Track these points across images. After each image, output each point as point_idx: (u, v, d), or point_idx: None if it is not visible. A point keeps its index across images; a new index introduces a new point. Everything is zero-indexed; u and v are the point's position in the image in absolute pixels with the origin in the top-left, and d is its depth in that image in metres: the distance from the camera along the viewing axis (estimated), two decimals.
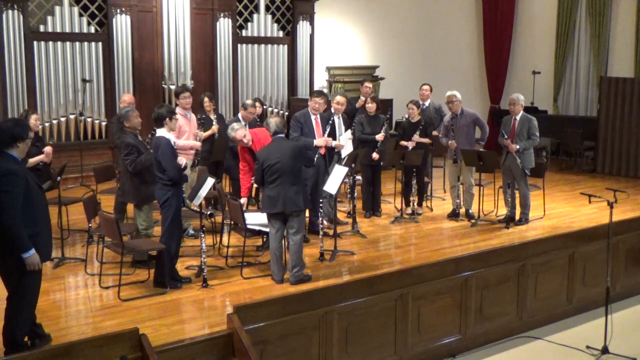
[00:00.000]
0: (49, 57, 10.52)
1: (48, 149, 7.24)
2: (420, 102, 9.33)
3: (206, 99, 8.60)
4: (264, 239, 7.15)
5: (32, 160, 6.92)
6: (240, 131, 7.03)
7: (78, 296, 6.01)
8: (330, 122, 7.74)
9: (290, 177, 6.17)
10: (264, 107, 9.88)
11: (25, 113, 7.92)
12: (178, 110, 7.64)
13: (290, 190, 6.14)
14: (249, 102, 8.33)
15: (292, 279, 6.22)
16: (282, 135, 6.41)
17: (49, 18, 10.51)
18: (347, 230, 7.95)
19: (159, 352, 4.80)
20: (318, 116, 7.72)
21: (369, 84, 9.85)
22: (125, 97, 8.77)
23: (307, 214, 7.13)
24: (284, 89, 12.72)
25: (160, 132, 6.17)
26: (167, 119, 6.16)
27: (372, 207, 8.78)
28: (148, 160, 6.37)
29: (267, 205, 6.22)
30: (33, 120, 7.47)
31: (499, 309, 6.96)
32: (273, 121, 6.43)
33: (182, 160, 6.19)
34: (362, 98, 9.31)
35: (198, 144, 7.84)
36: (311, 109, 7.70)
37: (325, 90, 9.80)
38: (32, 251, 4.53)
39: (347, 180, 7.93)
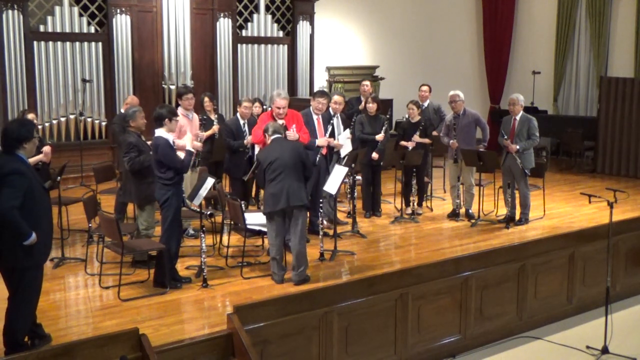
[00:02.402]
0: (49, 57, 10.51)
1: (47, 149, 7.22)
2: (420, 103, 9.32)
3: (206, 99, 8.61)
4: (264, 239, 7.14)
5: (31, 160, 6.89)
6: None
7: (78, 296, 6.01)
8: (331, 122, 7.74)
9: (293, 172, 6.16)
10: (264, 107, 9.88)
11: (22, 113, 7.92)
12: (180, 110, 7.64)
13: (294, 184, 6.13)
14: (242, 98, 8.40)
15: (295, 278, 6.20)
16: (280, 135, 6.43)
17: (49, 18, 10.51)
18: (347, 231, 7.95)
19: (159, 352, 4.80)
20: (320, 116, 7.72)
21: (367, 83, 9.84)
22: (129, 100, 8.76)
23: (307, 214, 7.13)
24: (284, 89, 12.71)
25: (159, 132, 6.17)
26: (167, 119, 6.16)
27: (372, 207, 8.77)
28: (147, 160, 6.39)
29: (270, 203, 6.14)
30: (31, 119, 7.47)
31: (499, 309, 6.96)
32: (271, 124, 6.51)
33: (182, 141, 6.26)
34: (363, 99, 9.32)
35: (199, 144, 7.83)
36: (314, 109, 7.69)
37: (326, 90, 9.79)
38: (33, 235, 4.56)
39: (347, 180, 7.93)
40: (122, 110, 8.35)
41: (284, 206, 6.11)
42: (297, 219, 6.21)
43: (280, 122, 7.03)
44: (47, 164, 7.22)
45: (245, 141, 7.93)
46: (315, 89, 12.53)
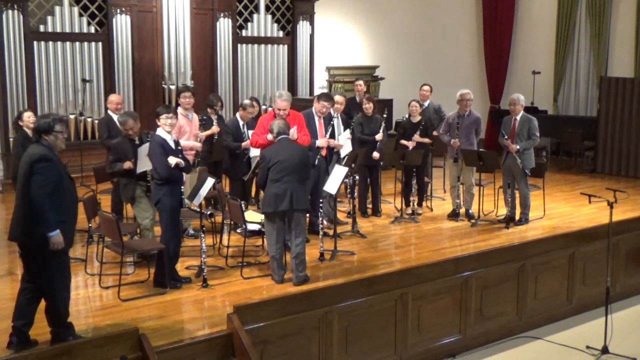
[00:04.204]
0: (49, 57, 10.52)
1: None
2: (421, 102, 9.32)
3: (219, 104, 8.61)
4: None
5: None
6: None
7: (78, 296, 6.00)
8: (332, 123, 7.73)
9: (298, 175, 6.18)
10: (262, 107, 9.89)
11: (20, 113, 7.93)
12: (180, 110, 7.63)
13: (299, 188, 6.14)
14: (247, 102, 8.37)
15: (296, 280, 6.19)
16: (286, 136, 6.41)
17: (49, 18, 10.52)
18: (347, 230, 7.94)
19: (159, 352, 4.80)
20: (321, 117, 7.70)
21: (360, 82, 9.82)
22: (113, 98, 8.36)
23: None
24: (284, 89, 12.70)
25: (158, 130, 6.19)
26: (156, 118, 6.22)
27: (373, 208, 8.73)
28: (118, 168, 6.59)
29: (272, 203, 6.11)
30: (26, 118, 7.49)
31: (499, 309, 6.96)
32: (276, 123, 6.44)
33: (172, 159, 6.08)
34: (358, 98, 9.32)
35: (199, 144, 7.82)
36: (317, 111, 7.66)
37: (330, 94, 9.80)
38: (57, 231, 4.66)
39: (347, 180, 7.92)
40: (110, 112, 8.23)
41: (286, 208, 6.10)
42: (298, 221, 6.21)
43: None
44: None
45: (243, 143, 7.95)
46: (316, 89, 12.58)
